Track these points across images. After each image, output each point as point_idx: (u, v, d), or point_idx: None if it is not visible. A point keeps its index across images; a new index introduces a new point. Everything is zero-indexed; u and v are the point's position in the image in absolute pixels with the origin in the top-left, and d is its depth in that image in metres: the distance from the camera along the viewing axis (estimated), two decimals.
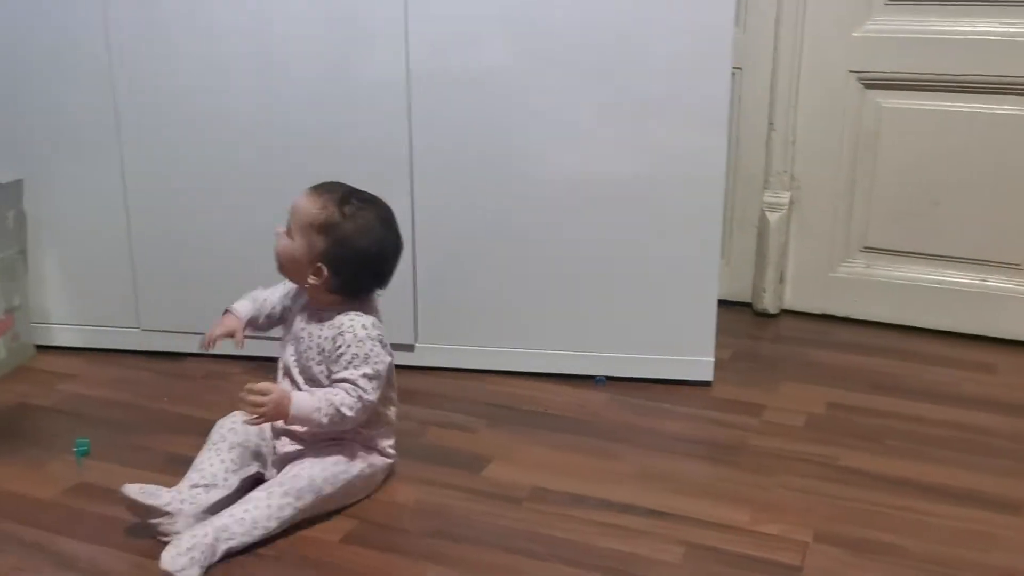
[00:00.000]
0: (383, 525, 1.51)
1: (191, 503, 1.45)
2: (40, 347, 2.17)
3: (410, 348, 2.04)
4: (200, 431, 1.78)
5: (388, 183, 1.92)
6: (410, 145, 1.94)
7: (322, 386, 1.53)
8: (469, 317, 2.03)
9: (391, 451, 1.62)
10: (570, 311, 2.00)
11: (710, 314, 1.97)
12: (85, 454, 1.70)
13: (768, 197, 2.37)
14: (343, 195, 1.52)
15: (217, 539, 1.38)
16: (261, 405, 1.45)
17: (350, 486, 1.53)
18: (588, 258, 1.96)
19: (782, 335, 2.32)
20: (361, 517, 1.53)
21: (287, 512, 1.46)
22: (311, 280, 1.52)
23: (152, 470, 1.67)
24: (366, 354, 1.50)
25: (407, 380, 1.85)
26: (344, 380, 1.50)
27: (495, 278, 2.00)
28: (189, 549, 1.35)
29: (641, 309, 1.97)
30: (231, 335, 1.62)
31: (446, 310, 2.03)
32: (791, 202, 2.36)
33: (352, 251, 1.50)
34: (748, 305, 2.46)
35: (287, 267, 1.55)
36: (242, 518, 1.42)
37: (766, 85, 2.29)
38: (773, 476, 1.65)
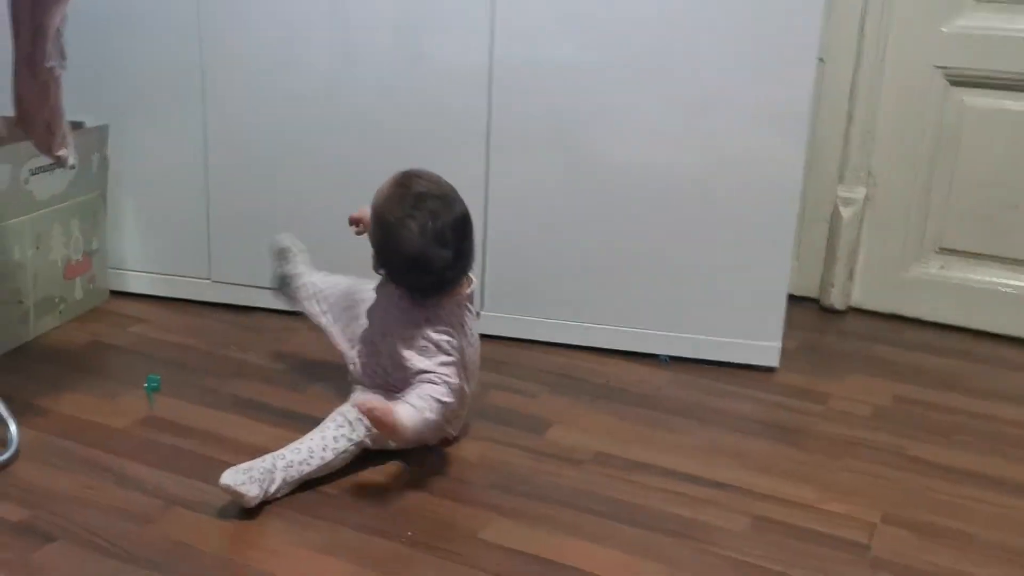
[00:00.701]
0: (445, 474, 1.52)
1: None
2: (113, 292, 2.21)
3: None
4: (265, 378, 1.83)
5: (464, 155, 1.96)
6: (488, 120, 1.95)
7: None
8: (535, 289, 2.03)
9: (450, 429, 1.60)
10: (636, 289, 1.99)
11: (780, 299, 1.95)
12: (156, 390, 1.74)
13: (842, 192, 2.33)
14: (409, 194, 1.47)
15: (275, 464, 1.40)
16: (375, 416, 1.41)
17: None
18: (658, 239, 1.95)
19: (848, 331, 2.29)
20: (424, 464, 1.53)
21: (341, 444, 1.47)
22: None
23: (220, 409, 1.70)
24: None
25: None
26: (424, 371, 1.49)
27: (564, 253, 1.99)
28: (247, 470, 1.37)
29: (709, 291, 1.96)
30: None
31: (513, 280, 2.03)
32: (866, 198, 2.32)
33: (389, 251, 1.49)
34: (815, 301, 2.42)
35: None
36: (298, 447, 1.44)
37: (848, 77, 2.26)
38: (839, 460, 1.63)
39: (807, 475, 1.57)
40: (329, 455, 1.46)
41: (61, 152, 1.46)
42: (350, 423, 1.50)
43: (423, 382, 1.47)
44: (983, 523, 1.45)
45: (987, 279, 2.25)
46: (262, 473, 1.38)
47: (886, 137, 2.28)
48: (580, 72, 1.89)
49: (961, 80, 2.18)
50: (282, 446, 1.45)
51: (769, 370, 1.97)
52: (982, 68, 2.15)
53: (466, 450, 1.60)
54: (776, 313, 1.96)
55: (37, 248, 1.94)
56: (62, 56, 1.38)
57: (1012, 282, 2.23)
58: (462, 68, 1.93)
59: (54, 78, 1.39)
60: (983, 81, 2.16)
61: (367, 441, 1.51)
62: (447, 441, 1.60)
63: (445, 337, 1.50)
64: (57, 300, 2.02)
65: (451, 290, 1.51)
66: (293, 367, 1.89)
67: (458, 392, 1.50)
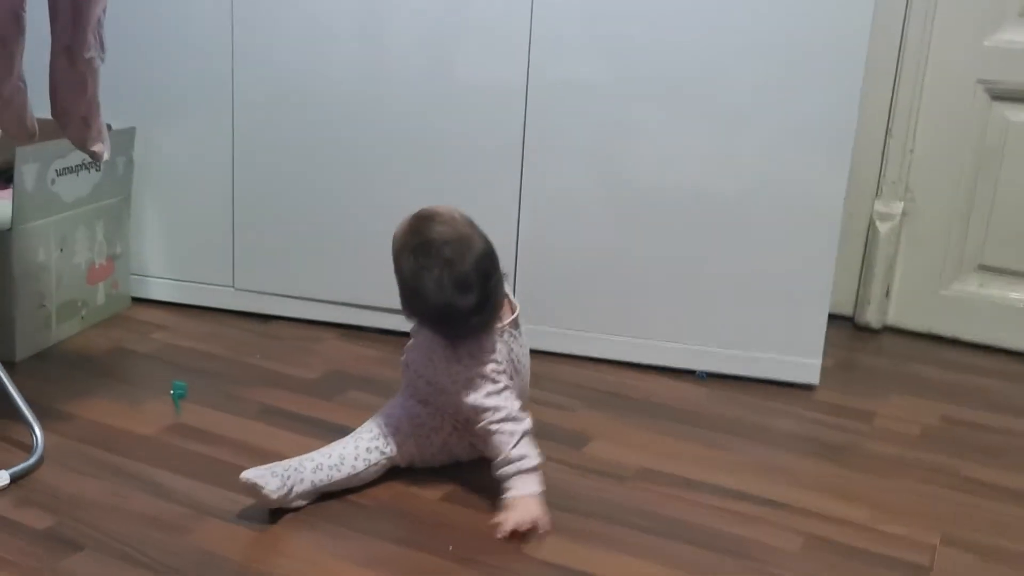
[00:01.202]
0: (483, 488, 1.46)
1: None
2: (135, 299, 2.16)
3: None
4: (292, 387, 1.78)
5: (497, 170, 1.93)
6: (523, 137, 1.91)
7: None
8: (571, 303, 1.98)
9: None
10: (674, 303, 1.94)
11: (821, 315, 1.90)
12: (182, 396, 1.68)
13: (879, 207, 2.29)
14: (423, 243, 1.37)
15: (303, 465, 1.35)
16: (527, 528, 1.33)
17: (432, 447, 1.49)
18: (697, 254, 1.90)
19: (886, 349, 2.23)
20: (461, 478, 1.48)
21: (374, 456, 1.42)
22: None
23: (247, 417, 1.64)
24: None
25: None
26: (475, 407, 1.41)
27: (601, 268, 1.95)
28: (270, 467, 1.33)
29: (748, 306, 1.91)
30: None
31: (547, 294, 1.98)
32: (903, 213, 2.28)
33: (413, 304, 1.41)
34: (849, 319, 2.37)
35: None
36: (329, 452, 1.40)
37: (887, 90, 2.22)
38: (891, 479, 1.57)
39: (859, 494, 1.51)
40: (360, 465, 1.41)
41: (96, 147, 1.41)
42: (384, 436, 1.45)
43: (494, 433, 1.38)
44: None
45: None
46: (286, 470, 1.33)
47: (925, 152, 2.23)
48: (614, 90, 1.86)
49: (1004, 95, 2.14)
50: None
51: (809, 388, 1.92)
52: None
53: None
54: (817, 329, 1.90)
55: (61, 251, 1.90)
56: (102, 47, 1.33)
57: None
58: (497, 85, 1.90)
59: (92, 70, 1.34)
60: None
61: (398, 458, 1.45)
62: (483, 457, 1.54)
63: (491, 366, 1.41)
64: (80, 304, 1.97)
65: (484, 330, 1.42)
66: (319, 376, 1.83)
67: (517, 419, 1.40)
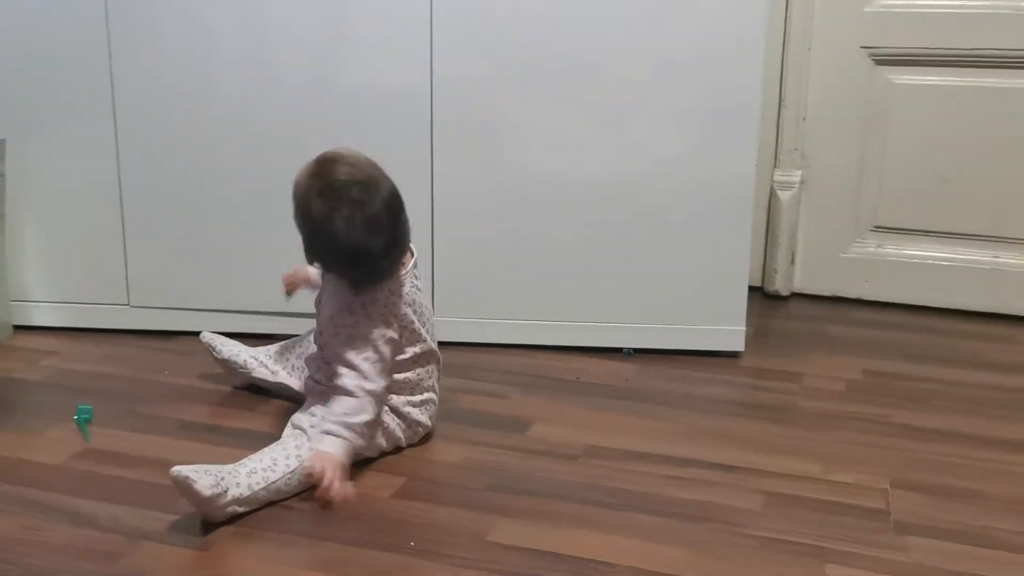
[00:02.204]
0: (435, 481, 1.39)
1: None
2: (17, 327, 1.99)
3: None
4: (210, 400, 1.67)
5: (405, 169, 1.84)
6: (431, 136, 1.87)
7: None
8: (488, 291, 1.94)
9: (409, 411, 1.48)
10: (591, 283, 1.92)
11: (741, 283, 1.91)
12: (88, 421, 1.55)
13: (779, 176, 2.33)
14: (330, 184, 1.34)
15: (236, 470, 1.28)
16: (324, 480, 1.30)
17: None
18: (612, 233, 1.89)
19: (798, 314, 2.28)
20: (408, 474, 1.41)
21: (304, 451, 1.34)
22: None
23: (165, 435, 1.52)
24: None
25: None
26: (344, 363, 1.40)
27: (514, 251, 1.91)
28: (203, 466, 1.24)
29: (666, 280, 1.91)
30: (308, 282, 1.59)
31: (464, 284, 1.93)
32: (801, 181, 2.33)
33: (319, 247, 1.38)
34: (758, 289, 2.40)
35: None
36: (261, 457, 1.33)
37: (776, 62, 2.26)
38: (832, 432, 1.58)
39: (805, 449, 1.51)
40: (293, 463, 1.32)
41: None
42: (306, 434, 1.37)
43: (341, 395, 1.37)
44: (987, 480, 1.42)
45: (923, 254, 2.28)
46: (220, 471, 1.25)
47: (818, 119, 2.29)
48: (504, 85, 1.84)
49: (886, 59, 2.21)
50: None
51: (734, 355, 1.93)
52: (905, 46, 2.19)
53: (446, 454, 1.48)
54: (738, 298, 1.92)
55: None
56: None
57: (948, 255, 2.27)
58: (396, 86, 1.85)
59: None
60: (908, 59, 2.20)
61: None
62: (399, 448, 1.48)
63: (379, 331, 1.39)
64: None
65: (390, 274, 1.41)
66: (237, 387, 1.72)
67: (379, 398, 1.39)
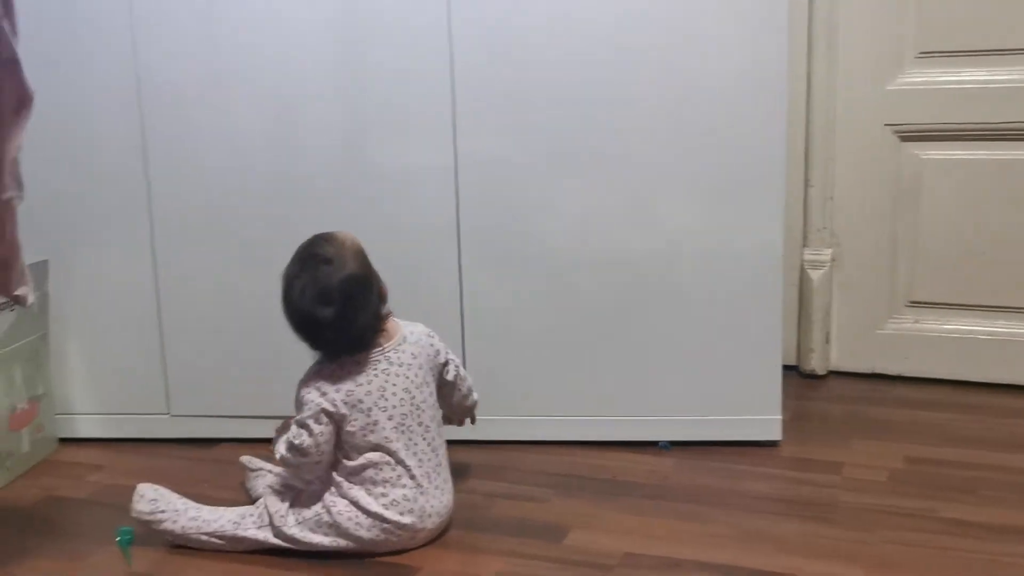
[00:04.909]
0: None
1: None
2: (63, 440, 2.03)
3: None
4: None
5: (433, 262, 1.91)
6: (457, 228, 1.90)
7: None
8: (522, 388, 1.94)
9: (377, 509, 1.50)
10: (625, 376, 1.91)
11: (775, 369, 1.90)
12: (130, 543, 1.56)
13: (808, 255, 2.32)
14: (305, 257, 1.53)
15: (186, 506, 1.57)
16: None
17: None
18: (642, 325, 1.89)
19: (836, 395, 2.25)
20: None
21: (248, 522, 1.55)
22: None
23: (206, 557, 1.53)
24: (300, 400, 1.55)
25: (461, 455, 1.75)
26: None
27: (545, 348, 1.92)
28: (165, 494, 1.59)
29: (701, 370, 1.90)
30: None
31: (498, 382, 1.93)
32: (832, 259, 2.32)
33: (285, 310, 1.53)
34: (793, 368, 2.38)
35: None
36: (213, 509, 1.58)
37: (801, 142, 2.27)
38: (875, 531, 1.55)
39: (848, 552, 1.49)
40: (229, 528, 1.55)
41: (20, 291, 1.32)
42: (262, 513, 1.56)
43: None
44: None
45: (962, 328, 2.25)
46: (169, 503, 1.57)
47: (845, 197, 2.29)
48: (525, 166, 1.86)
49: (912, 135, 2.21)
50: None
51: (772, 444, 1.90)
52: (930, 122, 2.19)
53: (482, 566, 1.48)
54: (773, 385, 1.90)
55: None
56: (19, 186, 1.25)
57: (987, 328, 2.23)
58: (424, 170, 1.88)
59: (11, 210, 1.26)
60: (933, 134, 2.19)
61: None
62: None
63: (305, 391, 1.53)
64: (4, 455, 1.84)
65: (342, 347, 1.53)
66: None
67: (297, 452, 1.52)
